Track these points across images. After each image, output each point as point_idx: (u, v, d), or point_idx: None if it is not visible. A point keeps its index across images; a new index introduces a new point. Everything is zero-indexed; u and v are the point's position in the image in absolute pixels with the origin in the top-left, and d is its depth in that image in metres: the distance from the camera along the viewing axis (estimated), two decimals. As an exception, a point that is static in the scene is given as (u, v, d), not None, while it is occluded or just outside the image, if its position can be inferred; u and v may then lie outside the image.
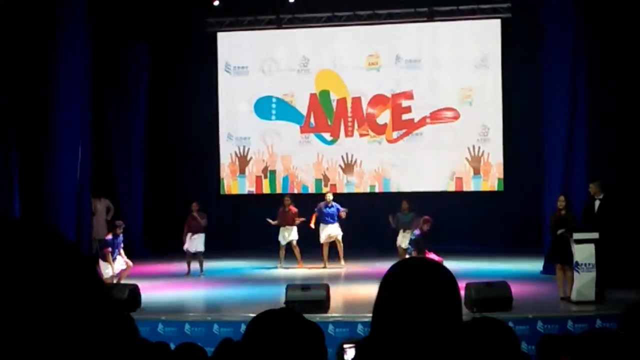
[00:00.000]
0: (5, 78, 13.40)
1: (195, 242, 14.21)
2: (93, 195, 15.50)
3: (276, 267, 15.00)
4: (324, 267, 14.84)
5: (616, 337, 2.76)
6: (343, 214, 14.87)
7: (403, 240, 13.94)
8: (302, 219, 14.98)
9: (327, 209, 15.00)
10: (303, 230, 15.10)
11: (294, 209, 15.03)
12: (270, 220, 15.06)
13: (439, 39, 17.48)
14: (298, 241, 14.98)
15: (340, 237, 14.94)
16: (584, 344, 2.96)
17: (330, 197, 15.22)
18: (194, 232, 14.24)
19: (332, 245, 15.04)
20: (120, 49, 16.69)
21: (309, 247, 15.26)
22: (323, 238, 14.94)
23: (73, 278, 1.00)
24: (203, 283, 13.49)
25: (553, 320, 9.66)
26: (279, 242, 15.03)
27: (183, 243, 14.33)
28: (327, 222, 14.96)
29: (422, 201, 15.58)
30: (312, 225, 15.06)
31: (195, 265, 14.32)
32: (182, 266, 14.52)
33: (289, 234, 14.98)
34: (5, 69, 13.36)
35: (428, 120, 17.56)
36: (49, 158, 14.20)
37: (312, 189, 17.90)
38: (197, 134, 18.11)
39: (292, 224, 14.94)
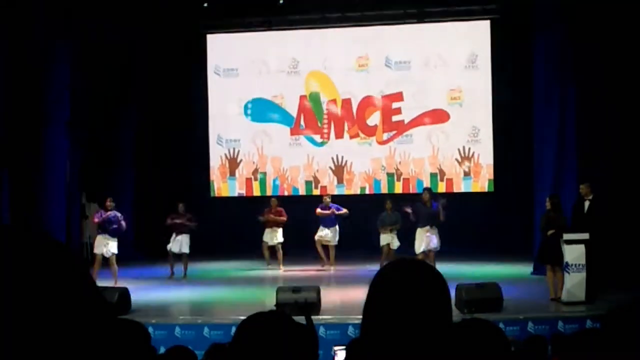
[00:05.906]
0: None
1: (179, 243, 14.06)
2: (87, 200, 15.43)
3: (264, 269, 15.04)
4: (323, 266, 14.87)
5: (604, 337, 2.77)
6: (343, 213, 14.84)
7: (392, 241, 13.88)
8: (283, 219, 15.01)
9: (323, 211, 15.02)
10: (289, 232, 15.11)
11: (280, 210, 15.07)
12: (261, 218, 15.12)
13: (428, 40, 17.50)
14: (283, 244, 15.02)
15: (332, 243, 14.90)
16: (573, 344, 2.97)
17: (326, 199, 15.18)
18: (179, 233, 14.13)
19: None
20: (109, 51, 16.59)
21: (296, 249, 15.28)
22: (316, 237, 14.94)
23: (67, 280, 1.00)
24: (193, 286, 13.43)
25: (543, 321, 9.67)
26: (265, 242, 15.05)
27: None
28: (323, 224, 14.95)
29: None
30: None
31: (178, 267, 14.14)
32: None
33: (276, 236, 14.99)
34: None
35: (418, 121, 17.58)
36: (38, 162, 14.12)
37: (302, 191, 17.89)
38: (187, 136, 18.06)
39: (279, 225, 14.97)
